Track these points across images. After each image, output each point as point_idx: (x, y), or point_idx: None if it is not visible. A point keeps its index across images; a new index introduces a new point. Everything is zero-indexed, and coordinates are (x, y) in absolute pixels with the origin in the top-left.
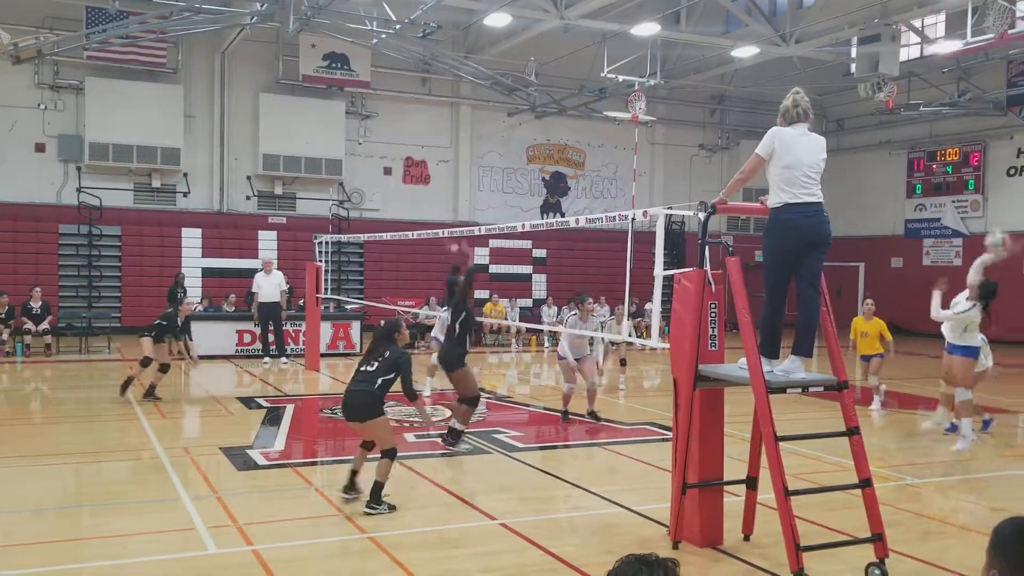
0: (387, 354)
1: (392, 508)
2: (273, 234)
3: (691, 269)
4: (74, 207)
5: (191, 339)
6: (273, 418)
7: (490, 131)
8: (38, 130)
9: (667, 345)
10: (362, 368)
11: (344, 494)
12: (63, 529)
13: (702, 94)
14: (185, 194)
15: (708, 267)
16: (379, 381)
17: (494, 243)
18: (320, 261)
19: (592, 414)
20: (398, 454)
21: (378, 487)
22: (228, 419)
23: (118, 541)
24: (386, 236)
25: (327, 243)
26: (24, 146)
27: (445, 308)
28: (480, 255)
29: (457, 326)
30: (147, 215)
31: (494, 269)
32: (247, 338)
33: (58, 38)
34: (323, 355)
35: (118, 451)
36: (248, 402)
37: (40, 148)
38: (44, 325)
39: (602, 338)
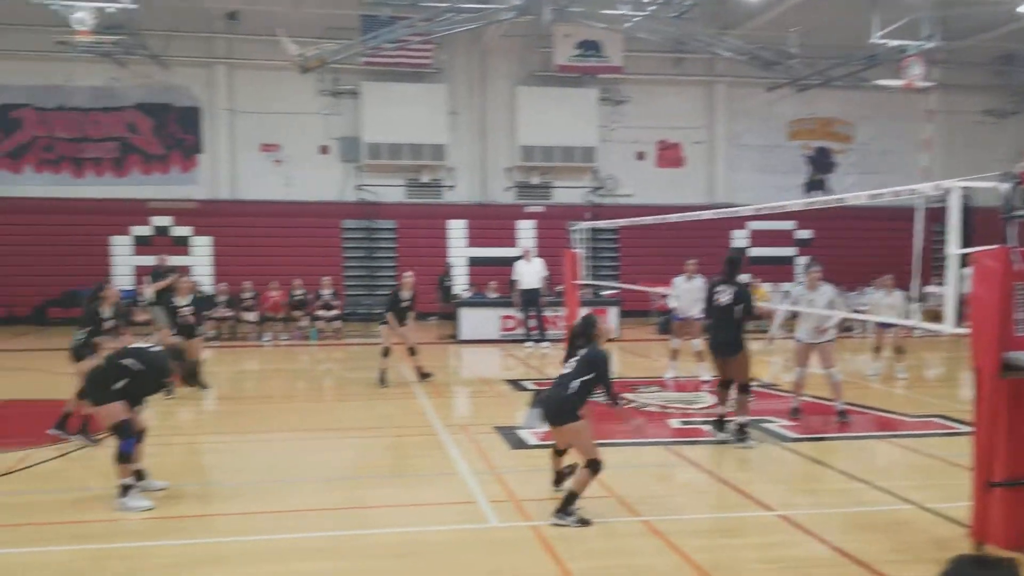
0: (583, 353)
1: (584, 523)
2: (531, 223)
3: (993, 247)
4: (354, 203)
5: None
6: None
7: (747, 108)
8: (322, 134)
9: (962, 331)
10: (562, 370)
11: (555, 486)
12: (352, 497)
13: (986, 54)
14: (451, 188)
15: (1013, 244)
16: (575, 383)
17: (754, 225)
18: (576, 248)
19: (841, 414)
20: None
21: (571, 497)
22: (498, 400)
23: (405, 510)
24: (646, 220)
25: (583, 230)
26: (311, 149)
27: (721, 286)
28: (739, 237)
29: (737, 309)
30: (418, 209)
31: (755, 252)
32: (510, 323)
33: (338, 47)
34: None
35: (400, 427)
36: (515, 384)
37: (324, 150)
38: (333, 311)
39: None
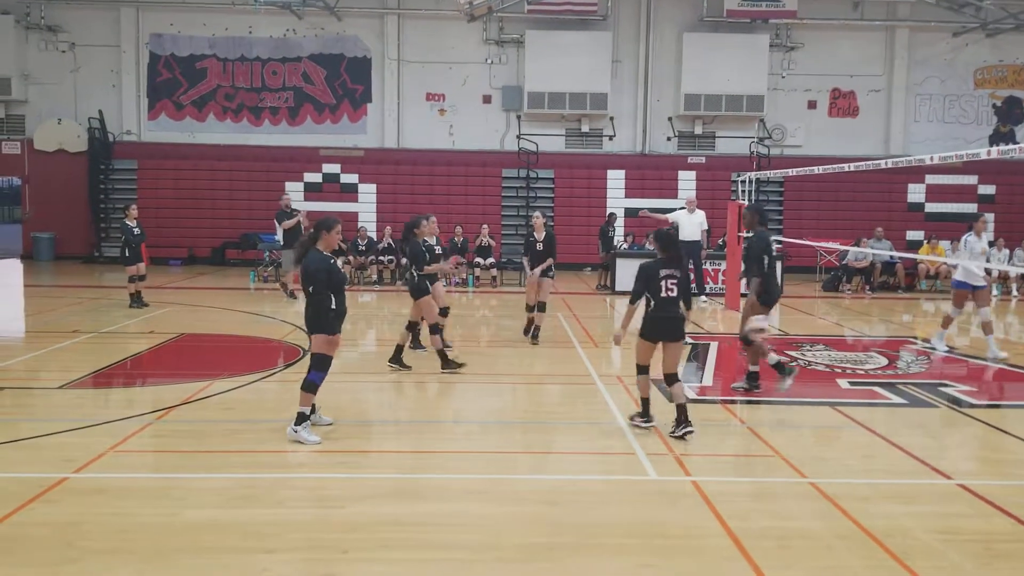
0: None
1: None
2: (692, 174)
3: None
4: (514, 152)
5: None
6: (697, 354)
7: (930, 55)
8: (485, 83)
9: None
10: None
11: (636, 420)
12: (507, 442)
13: None
14: (611, 137)
15: None
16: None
17: (931, 179)
18: (740, 200)
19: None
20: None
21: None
22: (657, 353)
23: (560, 457)
24: (817, 170)
25: (747, 181)
26: (474, 99)
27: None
28: (915, 192)
29: None
30: (576, 158)
31: (930, 208)
32: None
33: None
34: (743, 295)
35: (555, 375)
36: None
37: (487, 100)
38: (490, 259)
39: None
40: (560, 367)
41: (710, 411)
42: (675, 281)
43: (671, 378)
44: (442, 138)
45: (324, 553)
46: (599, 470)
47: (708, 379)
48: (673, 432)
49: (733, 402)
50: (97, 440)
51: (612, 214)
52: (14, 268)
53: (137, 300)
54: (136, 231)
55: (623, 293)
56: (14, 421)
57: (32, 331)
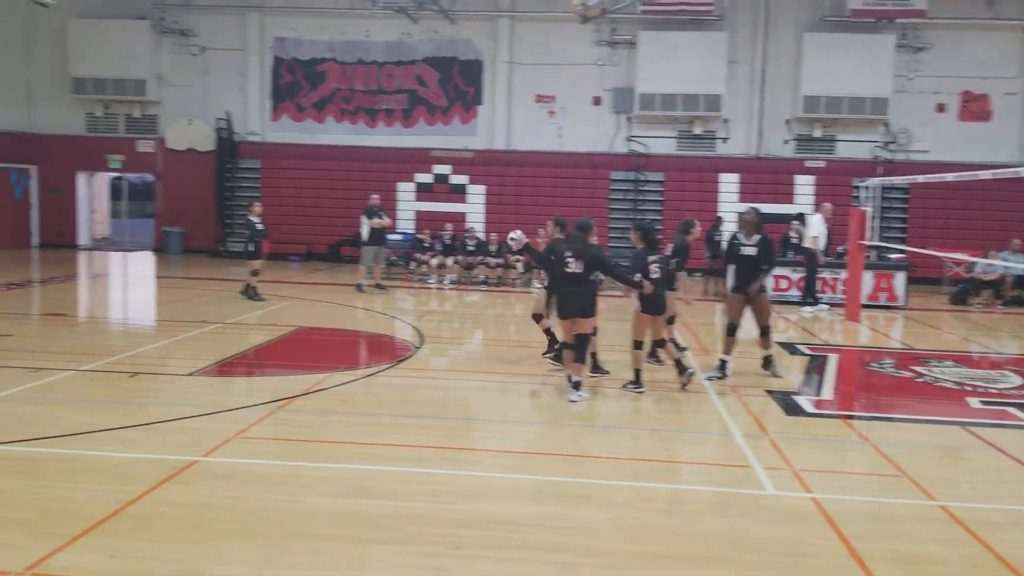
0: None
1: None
2: (810, 178)
3: None
4: (623, 155)
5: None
6: (816, 366)
7: None
8: (596, 85)
9: None
10: None
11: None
12: (619, 448)
13: None
14: (724, 140)
15: None
16: None
17: None
18: (863, 206)
19: None
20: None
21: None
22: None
23: (673, 466)
24: (949, 177)
25: (870, 187)
26: (584, 100)
27: None
28: None
29: None
30: (688, 161)
31: None
32: (783, 284)
33: None
34: (863, 306)
35: (666, 381)
36: (789, 348)
37: (597, 101)
38: None
39: None
40: (668, 373)
41: (829, 426)
42: (658, 265)
43: (661, 343)
44: (551, 140)
45: (436, 547)
46: (712, 481)
47: (827, 393)
48: (681, 379)
49: (854, 417)
50: (224, 426)
51: (719, 217)
52: (146, 260)
53: (253, 294)
54: (260, 227)
55: None
56: (147, 405)
57: (162, 320)
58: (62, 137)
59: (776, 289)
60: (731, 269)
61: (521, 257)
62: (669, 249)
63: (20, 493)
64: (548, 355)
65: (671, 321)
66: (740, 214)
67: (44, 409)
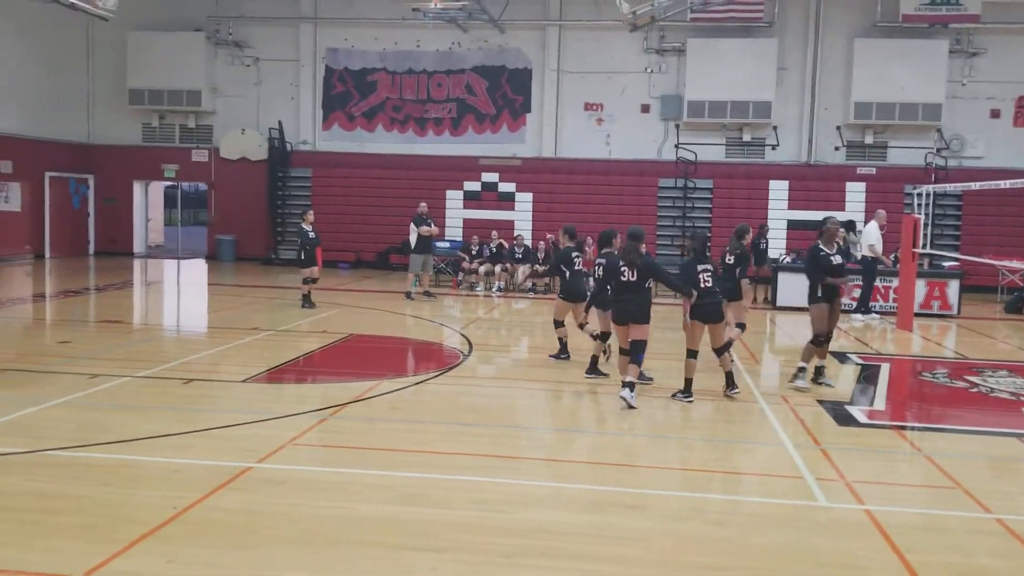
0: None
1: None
2: (861, 185)
3: None
4: (671, 162)
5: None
6: (868, 376)
7: None
8: (644, 92)
9: None
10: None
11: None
12: (667, 457)
13: None
14: (774, 147)
15: None
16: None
17: None
18: (916, 213)
19: None
20: None
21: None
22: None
23: (724, 476)
24: (1005, 184)
25: (922, 194)
26: (632, 108)
27: None
28: None
29: None
30: (737, 168)
31: None
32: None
33: (669, 2)
34: (916, 314)
35: (715, 390)
36: (841, 357)
37: (645, 109)
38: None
39: None
40: (719, 382)
41: (882, 437)
42: (709, 273)
43: (720, 350)
44: (599, 147)
45: (486, 555)
46: (765, 492)
47: (880, 403)
48: (726, 392)
49: (907, 428)
50: (276, 433)
51: (763, 226)
52: (199, 268)
53: (307, 301)
54: (312, 235)
55: (784, 308)
56: (201, 411)
57: (215, 327)
58: (119, 147)
59: None
60: (814, 279)
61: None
62: (732, 258)
63: (80, 498)
64: (553, 357)
65: (741, 328)
66: (822, 224)
67: (102, 415)
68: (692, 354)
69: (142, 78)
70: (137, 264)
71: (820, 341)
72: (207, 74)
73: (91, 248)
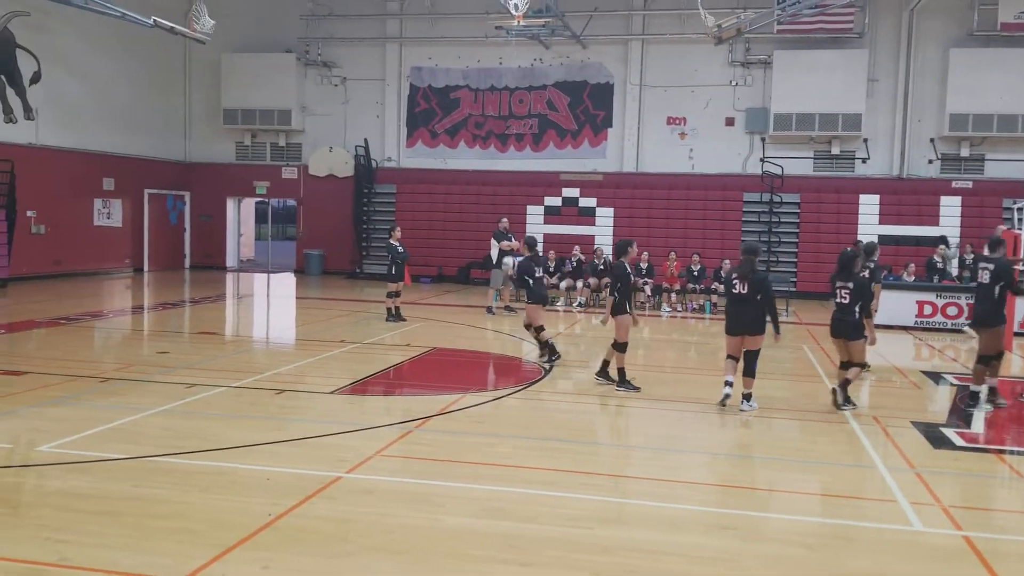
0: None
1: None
2: (956, 199)
3: None
4: (757, 176)
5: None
6: (961, 396)
7: None
8: (728, 106)
9: None
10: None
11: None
12: (755, 477)
13: None
14: (864, 160)
15: None
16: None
17: None
18: (1018, 228)
19: None
20: None
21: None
22: (913, 392)
23: (814, 498)
24: None
25: (1023, 209)
26: (716, 121)
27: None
28: None
29: None
30: (825, 182)
31: None
32: (927, 309)
33: (755, 14)
34: (1015, 334)
35: (802, 410)
36: (935, 377)
37: (729, 122)
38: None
39: None
40: (804, 401)
41: (979, 460)
42: (848, 290)
43: (847, 365)
44: (681, 162)
45: (576, 572)
46: (855, 515)
47: (977, 426)
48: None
49: (1006, 452)
50: (365, 443)
51: (859, 241)
52: (288, 282)
53: (395, 315)
54: (401, 250)
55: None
56: (292, 421)
57: (303, 339)
58: (213, 165)
59: (919, 315)
60: (994, 295)
61: (649, 280)
62: (867, 272)
63: (180, 503)
64: (543, 359)
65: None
66: (994, 236)
67: (200, 423)
68: (843, 365)
69: (236, 98)
70: (229, 277)
71: (990, 359)
72: (297, 94)
73: (187, 262)
